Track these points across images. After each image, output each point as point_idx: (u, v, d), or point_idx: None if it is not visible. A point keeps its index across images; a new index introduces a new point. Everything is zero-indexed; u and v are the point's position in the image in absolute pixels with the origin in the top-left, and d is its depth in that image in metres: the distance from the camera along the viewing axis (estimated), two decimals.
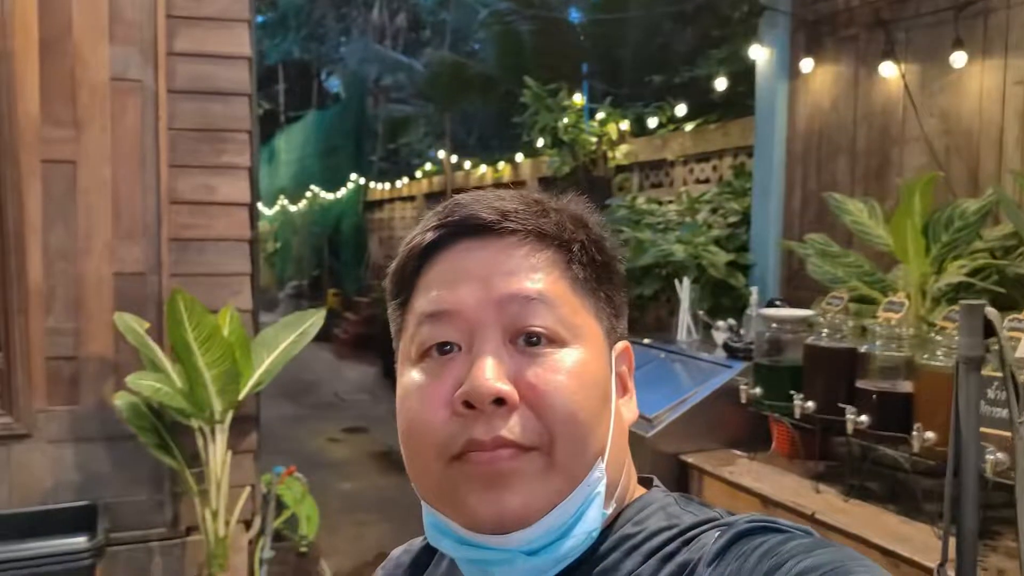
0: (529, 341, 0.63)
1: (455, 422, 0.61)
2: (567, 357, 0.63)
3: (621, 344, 0.71)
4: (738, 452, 2.70)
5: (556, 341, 0.63)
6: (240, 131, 3.11)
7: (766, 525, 0.60)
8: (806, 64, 3.40)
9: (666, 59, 6.42)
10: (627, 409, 0.71)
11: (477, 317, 0.63)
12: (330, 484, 5.12)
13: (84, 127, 2.94)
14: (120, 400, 2.84)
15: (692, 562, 0.60)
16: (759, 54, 3.65)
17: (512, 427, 0.60)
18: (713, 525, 0.63)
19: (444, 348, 0.64)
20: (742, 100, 4.33)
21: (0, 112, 2.81)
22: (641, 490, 0.72)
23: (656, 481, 0.74)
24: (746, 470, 2.55)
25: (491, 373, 0.60)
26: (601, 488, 0.63)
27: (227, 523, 2.85)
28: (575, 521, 0.62)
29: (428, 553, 0.78)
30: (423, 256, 0.68)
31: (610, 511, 0.66)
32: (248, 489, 3.05)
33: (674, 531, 0.64)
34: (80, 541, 2.76)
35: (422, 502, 0.66)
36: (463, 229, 0.66)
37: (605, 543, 0.65)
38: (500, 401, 0.60)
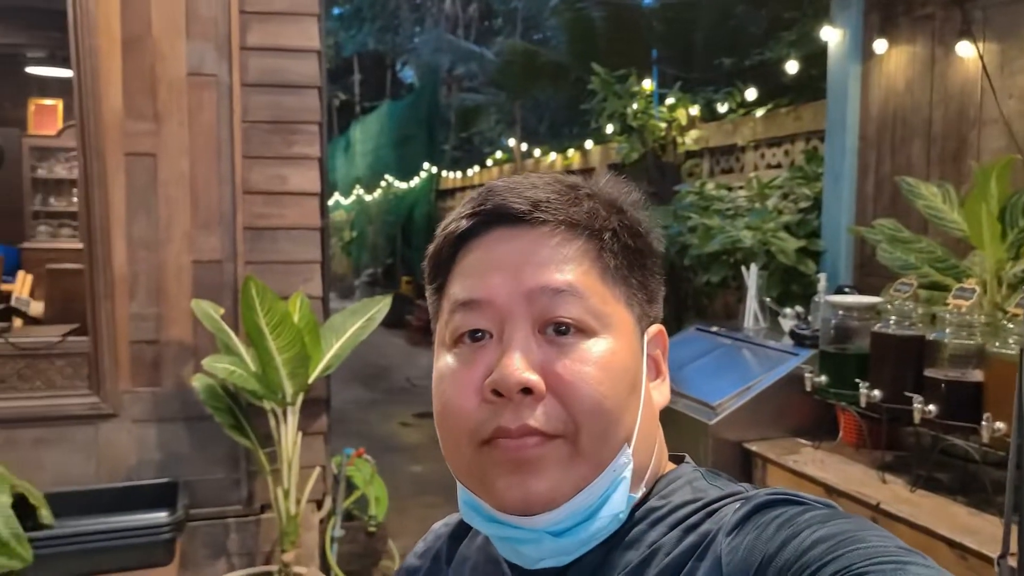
0: (558, 331, 0.64)
1: (485, 409, 0.64)
2: (595, 347, 0.64)
3: (654, 328, 0.73)
4: (803, 441, 2.67)
5: (584, 331, 0.64)
6: (310, 123, 3.19)
7: (786, 497, 0.61)
8: (879, 45, 3.30)
9: (737, 42, 6.30)
10: (659, 393, 0.72)
11: (507, 307, 0.65)
12: (400, 467, 5.23)
13: (163, 121, 3.06)
14: (198, 382, 2.97)
15: (712, 532, 0.61)
16: (831, 35, 3.56)
17: (538, 416, 0.62)
18: (736, 498, 0.64)
19: (476, 335, 0.66)
20: (814, 83, 4.22)
21: (86, 108, 2.96)
22: (671, 466, 0.74)
23: (688, 458, 0.75)
24: (810, 459, 2.52)
25: (519, 363, 0.62)
26: (627, 473, 0.65)
27: (298, 502, 2.95)
28: (600, 505, 0.64)
29: (465, 527, 0.81)
30: (458, 243, 0.69)
31: (639, 494, 0.67)
32: (318, 469, 3.15)
33: (699, 503, 0.65)
34: (161, 516, 2.90)
35: (456, 480, 0.69)
36: (496, 218, 0.68)
37: (633, 517, 0.67)
38: (527, 391, 0.62)
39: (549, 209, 0.67)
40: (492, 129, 11.88)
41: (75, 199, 7.68)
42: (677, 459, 0.76)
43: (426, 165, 12.40)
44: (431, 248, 0.73)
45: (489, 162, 9.78)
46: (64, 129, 7.53)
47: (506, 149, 9.68)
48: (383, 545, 3.51)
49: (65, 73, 6.55)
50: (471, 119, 12.63)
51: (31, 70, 6.62)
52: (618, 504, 0.65)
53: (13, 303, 5.24)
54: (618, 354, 0.65)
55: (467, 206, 0.70)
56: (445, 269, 0.71)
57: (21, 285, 6.04)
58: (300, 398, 2.88)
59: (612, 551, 0.66)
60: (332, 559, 3.20)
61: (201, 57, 3.08)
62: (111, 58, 2.99)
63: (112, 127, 3.00)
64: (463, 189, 11.27)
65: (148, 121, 3.05)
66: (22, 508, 2.64)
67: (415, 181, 12.92)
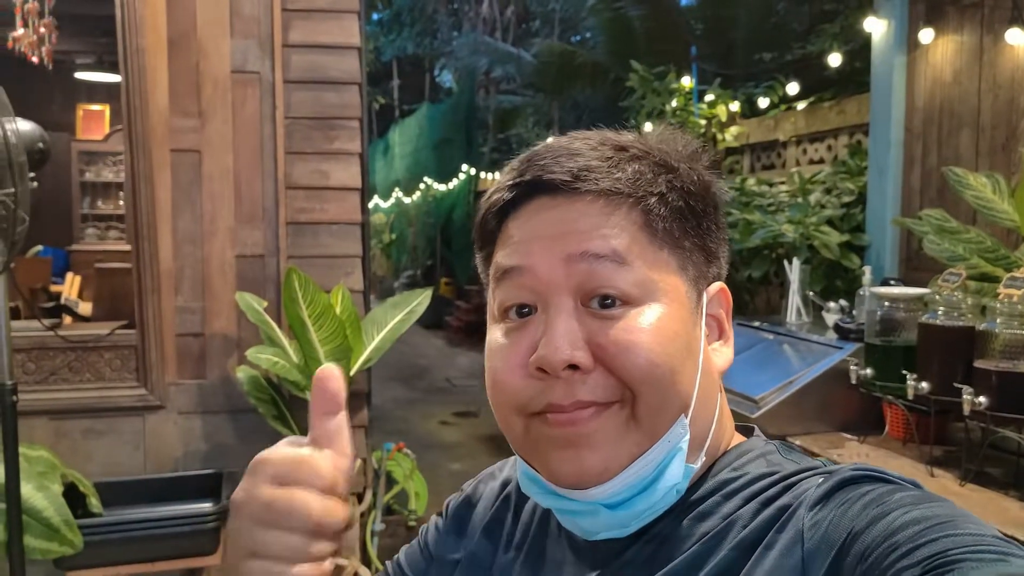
0: (603, 303, 0.63)
1: (533, 384, 0.63)
2: (642, 315, 0.62)
3: (715, 286, 0.70)
4: (847, 435, 2.62)
5: (630, 301, 0.63)
6: (351, 118, 3.22)
7: (872, 474, 0.59)
8: (926, 35, 3.24)
9: (777, 37, 6.24)
10: (719, 355, 0.70)
11: (548, 279, 0.64)
12: (440, 464, 5.25)
13: (208, 118, 3.12)
14: (242, 373, 3.01)
15: (792, 506, 0.59)
16: (875, 27, 3.51)
17: (591, 389, 0.62)
18: (816, 472, 0.63)
19: (522, 310, 0.65)
20: (858, 76, 4.17)
21: (134, 106, 3.02)
22: (740, 437, 0.72)
23: (757, 430, 0.73)
24: (856, 453, 2.47)
25: (563, 340, 0.61)
26: (684, 444, 0.63)
27: None
28: (656, 476, 0.63)
29: None
30: (500, 213, 0.69)
31: (698, 464, 0.66)
32: (359, 463, 3.18)
33: (775, 476, 0.63)
34: (206, 506, 2.94)
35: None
36: (536, 187, 0.66)
37: (701, 488, 0.66)
38: (574, 367, 0.61)
39: (590, 177, 0.65)
40: (530, 131, 11.90)
41: (122, 202, 7.85)
42: (745, 429, 0.74)
43: (464, 167, 12.45)
44: (477, 216, 0.72)
45: None
46: (111, 133, 7.71)
47: None
48: None
49: (112, 78, 6.70)
50: (509, 120, 12.66)
51: (79, 75, 6.77)
52: (675, 476, 0.63)
53: (63, 302, 5.37)
54: (666, 320, 0.63)
55: (508, 175, 0.69)
56: (491, 239, 0.70)
57: (70, 286, 6.19)
58: None
59: (684, 521, 0.65)
60: (373, 552, 3.22)
61: (244, 55, 3.12)
62: (157, 57, 3.05)
63: (158, 125, 3.06)
64: None
65: (193, 118, 3.10)
66: (72, 496, 2.70)
67: (454, 183, 12.97)
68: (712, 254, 0.70)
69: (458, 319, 11.38)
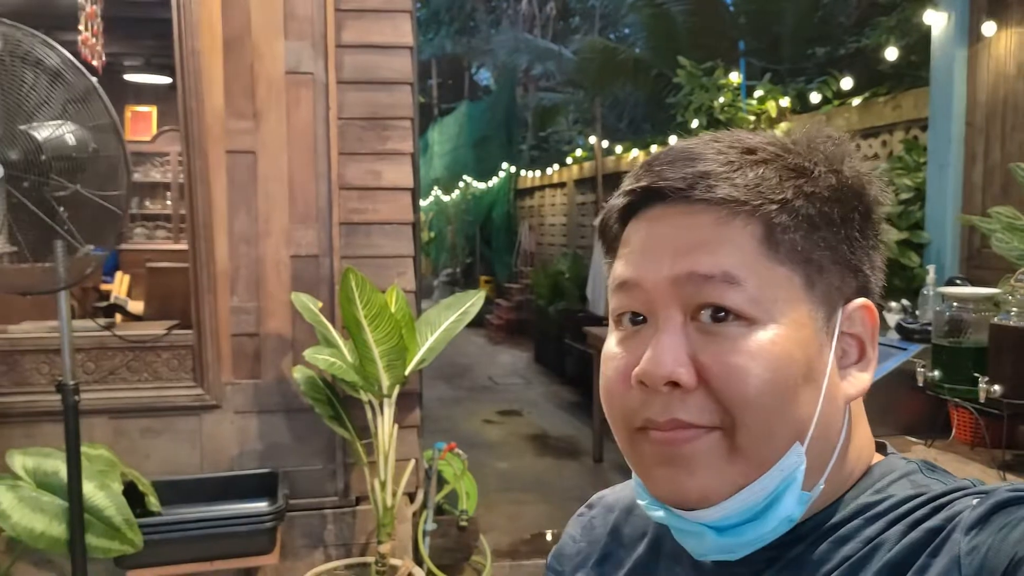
0: (714, 317, 0.59)
1: (636, 396, 0.61)
2: (753, 337, 0.58)
3: (856, 303, 0.64)
4: (913, 439, 2.56)
5: (743, 318, 0.59)
6: (403, 118, 3.22)
7: None
8: (988, 27, 3.16)
9: (830, 31, 6.13)
10: (852, 381, 0.64)
11: (656, 292, 0.61)
12: (486, 463, 5.25)
13: (263, 119, 3.13)
14: (298, 374, 3.03)
15: (945, 529, 0.56)
16: (934, 19, 3.43)
17: (689, 409, 0.59)
18: (967, 492, 0.59)
19: (636, 318, 0.63)
20: (914, 70, 4.08)
21: (190, 107, 3.05)
22: (877, 456, 0.68)
23: (890, 448, 0.70)
24: (923, 457, 2.41)
25: (666, 355, 0.59)
26: (799, 474, 0.60)
27: (394, 494, 2.98)
28: (767, 506, 0.60)
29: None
30: (621, 218, 0.66)
31: (816, 492, 0.62)
32: (412, 462, 3.18)
33: (923, 498, 0.60)
34: (262, 505, 2.97)
35: None
36: (652, 194, 0.63)
37: (840, 513, 0.63)
38: (676, 384, 0.59)
39: (708, 184, 0.60)
40: (571, 128, 11.85)
41: (169, 202, 7.96)
42: (878, 446, 0.70)
43: (504, 165, 12.45)
44: (600, 221, 0.69)
45: (569, 160, 9.74)
46: (159, 134, 7.82)
47: (586, 147, 9.63)
48: (474, 540, 3.51)
49: (160, 80, 6.79)
50: (549, 118, 12.63)
51: (128, 77, 6.87)
52: (789, 506, 0.60)
53: (113, 301, 5.45)
54: (781, 344, 0.58)
55: (629, 179, 0.66)
56: (612, 244, 0.68)
57: (119, 285, 6.29)
58: (396, 390, 2.90)
59: (823, 546, 0.62)
60: (425, 552, 3.22)
61: (298, 56, 3.13)
62: (213, 59, 3.07)
63: (214, 126, 3.09)
64: (542, 188, 11.27)
65: (248, 120, 3.12)
66: (131, 495, 2.74)
67: (493, 181, 12.98)
68: (852, 267, 0.63)
69: (498, 317, 11.38)
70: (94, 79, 2.28)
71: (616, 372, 0.63)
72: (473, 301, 3.05)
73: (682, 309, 0.60)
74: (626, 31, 12.84)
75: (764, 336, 0.59)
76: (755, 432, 0.58)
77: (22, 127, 2.25)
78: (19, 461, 2.63)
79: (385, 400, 2.90)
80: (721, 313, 0.59)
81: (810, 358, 0.60)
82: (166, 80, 6.63)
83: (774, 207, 0.60)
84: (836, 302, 0.63)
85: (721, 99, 5.20)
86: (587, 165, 9.12)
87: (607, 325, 0.68)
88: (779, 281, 0.60)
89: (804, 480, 0.60)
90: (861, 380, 0.64)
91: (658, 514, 0.65)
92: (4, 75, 2.26)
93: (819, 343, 0.61)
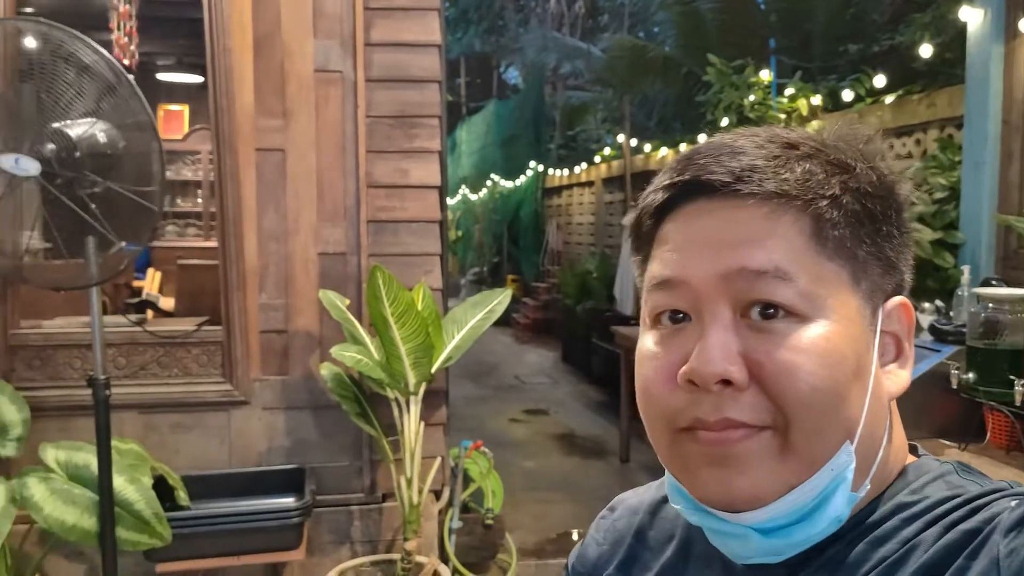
0: (764, 314, 0.58)
1: (682, 396, 0.60)
2: (805, 333, 0.57)
3: (894, 301, 0.63)
4: (946, 442, 2.52)
5: (794, 314, 0.58)
6: (431, 116, 3.22)
7: None
8: None
9: (863, 28, 6.05)
10: (894, 379, 0.63)
11: (704, 289, 0.59)
12: (512, 462, 5.24)
13: (292, 117, 3.15)
14: (326, 370, 3.04)
15: (983, 531, 0.55)
16: (970, 16, 3.37)
17: (741, 408, 0.58)
18: (1004, 494, 0.58)
19: (676, 316, 0.62)
20: (949, 67, 4.01)
21: (221, 106, 3.07)
22: (910, 457, 0.67)
23: (921, 449, 0.68)
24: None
25: (716, 353, 0.57)
26: (849, 473, 0.59)
27: (420, 491, 2.98)
28: (816, 506, 0.59)
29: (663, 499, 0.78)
30: (656, 215, 0.64)
31: (863, 492, 0.61)
32: (438, 460, 3.18)
33: (959, 499, 0.59)
34: (289, 501, 2.98)
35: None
36: (694, 189, 0.61)
37: (877, 512, 0.62)
38: (727, 382, 0.57)
39: (753, 179, 0.59)
40: (599, 126, 11.82)
41: (199, 200, 8.05)
42: (909, 448, 0.69)
43: (532, 163, 12.44)
44: (632, 219, 0.68)
45: (597, 159, 9.71)
46: (190, 133, 7.90)
47: (614, 145, 9.60)
48: (500, 538, 3.51)
49: (191, 79, 6.86)
50: (577, 116, 12.61)
51: (160, 76, 6.95)
52: (838, 506, 0.59)
53: (144, 297, 5.52)
54: (833, 340, 0.58)
55: (666, 174, 0.64)
56: (647, 243, 0.66)
57: (151, 281, 6.37)
58: (422, 388, 2.91)
59: (859, 546, 0.60)
60: (450, 550, 3.23)
61: (327, 54, 3.15)
62: (243, 57, 3.09)
63: (244, 124, 3.11)
64: (570, 187, 11.25)
65: (277, 118, 3.14)
66: (161, 489, 2.77)
67: (521, 180, 12.98)
68: (891, 264, 0.63)
69: (525, 316, 11.38)
70: (131, 77, 2.31)
71: (657, 371, 0.61)
72: (500, 299, 3.05)
73: (731, 305, 0.59)
74: (655, 29, 12.79)
75: (816, 332, 0.58)
76: (808, 431, 0.57)
77: (56, 125, 2.28)
78: (51, 454, 2.67)
79: (411, 397, 2.90)
80: (771, 309, 0.58)
81: (860, 355, 0.60)
82: (198, 79, 6.70)
83: (825, 202, 0.59)
84: (878, 299, 0.63)
85: (751, 97, 5.16)
86: (615, 164, 9.08)
87: (635, 324, 0.66)
88: (828, 277, 0.59)
89: (852, 481, 0.59)
90: (901, 378, 0.64)
91: (697, 518, 0.64)
92: (43, 74, 2.30)
93: (866, 340, 0.61)
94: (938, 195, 3.62)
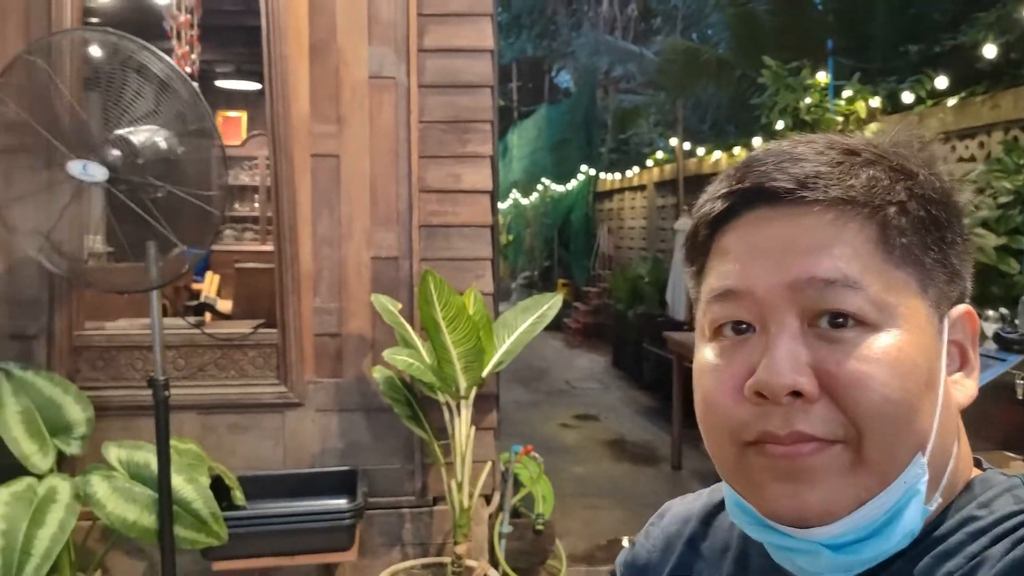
0: (833, 323, 0.57)
1: (748, 409, 0.58)
2: (876, 342, 0.56)
3: (959, 309, 0.62)
4: (1012, 454, 2.44)
5: (864, 323, 0.56)
6: (483, 121, 3.24)
7: None
8: None
9: (923, 28, 5.91)
10: (961, 389, 0.62)
11: (770, 300, 0.58)
12: (563, 467, 5.23)
13: (346, 123, 3.19)
14: (378, 374, 3.07)
15: None
16: None
17: (812, 421, 0.56)
18: None
19: (739, 327, 0.60)
20: (1015, 68, 3.90)
21: (277, 112, 3.13)
22: (975, 471, 0.65)
23: (985, 463, 0.67)
24: (1022, 473, 2.30)
25: (786, 364, 0.56)
26: (922, 486, 0.57)
27: (471, 495, 2.99)
28: (889, 520, 0.57)
29: (717, 507, 0.76)
30: (714, 224, 0.63)
31: (934, 506, 0.59)
32: (489, 464, 3.19)
33: None
34: (342, 503, 3.02)
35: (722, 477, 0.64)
36: (755, 196, 0.60)
37: (943, 526, 0.60)
38: (797, 393, 0.56)
39: (819, 185, 0.58)
40: (652, 130, 11.74)
41: (257, 204, 8.20)
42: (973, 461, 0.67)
43: (583, 167, 12.41)
44: (688, 229, 0.67)
45: (649, 162, 9.65)
46: (248, 139, 8.06)
47: (666, 149, 9.53)
48: (550, 544, 3.50)
49: (250, 86, 6.99)
50: (629, 120, 12.54)
51: (220, 84, 7.11)
52: (912, 520, 0.57)
53: (203, 300, 5.65)
54: (905, 349, 0.56)
55: (724, 182, 0.63)
56: (702, 253, 0.64)
57: (209, 285, 6.50)
58: (473, 392, 2.92)
59: (925, 560, 0.59)
60: (500, 555, 3.23)
61: (381, 60, 3.19)
62: (299, 64, 3.15)
63: (300, 130, 3.16)
64: (621, 191, 11.20)
65: (332, 123, 3.19)
66: (218, 489, 2.82)
67: (572, 184, 12.96)
68: (955, 271, 0.62)
69: (576, 321, 11.35)
70: (195, 86, 2.37)
71: (720, 384, 0.60)
72: (551, 304, 3.05)
73: (799, 315, 0.58)
74: (709, 31, 12.67)
75: (887, 341, 0.56)
76: (881, 443, 0.56)
77: (119, 132, 2.35)
78: (113, 453, 2.74)
79: (462, 401, 2.92)
80: (840, 319, 0.57)
81: (931, 364, 0.58)
82: (255, 86, 6.83)
83: (892, 208, 0.58)
84: (944, 307, 0.61)
85: (807, 100, 5.08)
86: (668, 167, 9.01)
87: (687, 330, 0.65)
88: (897, 285, 0.58)
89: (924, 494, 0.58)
90: (969, 387, 0.62)
91: (761, 534, 0.62)
92: (110, 83, 2.37)
93: (935, 350, 0.59)
94: (1002, 199, 3.52)
